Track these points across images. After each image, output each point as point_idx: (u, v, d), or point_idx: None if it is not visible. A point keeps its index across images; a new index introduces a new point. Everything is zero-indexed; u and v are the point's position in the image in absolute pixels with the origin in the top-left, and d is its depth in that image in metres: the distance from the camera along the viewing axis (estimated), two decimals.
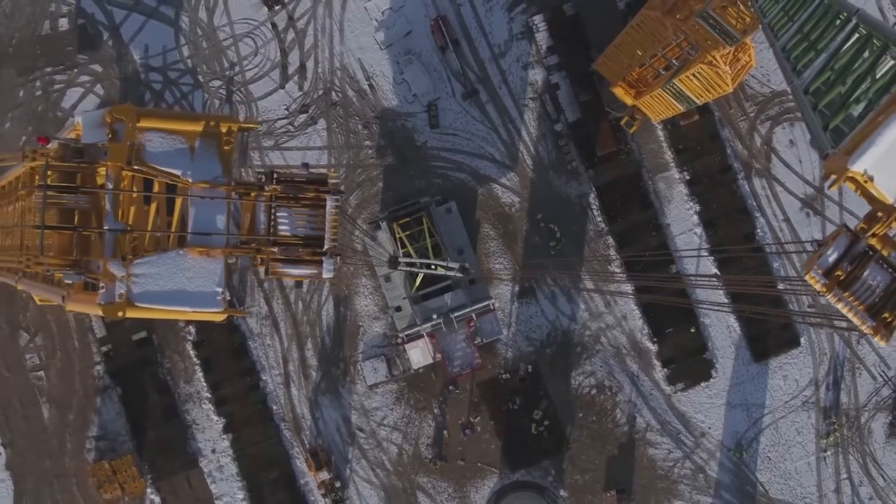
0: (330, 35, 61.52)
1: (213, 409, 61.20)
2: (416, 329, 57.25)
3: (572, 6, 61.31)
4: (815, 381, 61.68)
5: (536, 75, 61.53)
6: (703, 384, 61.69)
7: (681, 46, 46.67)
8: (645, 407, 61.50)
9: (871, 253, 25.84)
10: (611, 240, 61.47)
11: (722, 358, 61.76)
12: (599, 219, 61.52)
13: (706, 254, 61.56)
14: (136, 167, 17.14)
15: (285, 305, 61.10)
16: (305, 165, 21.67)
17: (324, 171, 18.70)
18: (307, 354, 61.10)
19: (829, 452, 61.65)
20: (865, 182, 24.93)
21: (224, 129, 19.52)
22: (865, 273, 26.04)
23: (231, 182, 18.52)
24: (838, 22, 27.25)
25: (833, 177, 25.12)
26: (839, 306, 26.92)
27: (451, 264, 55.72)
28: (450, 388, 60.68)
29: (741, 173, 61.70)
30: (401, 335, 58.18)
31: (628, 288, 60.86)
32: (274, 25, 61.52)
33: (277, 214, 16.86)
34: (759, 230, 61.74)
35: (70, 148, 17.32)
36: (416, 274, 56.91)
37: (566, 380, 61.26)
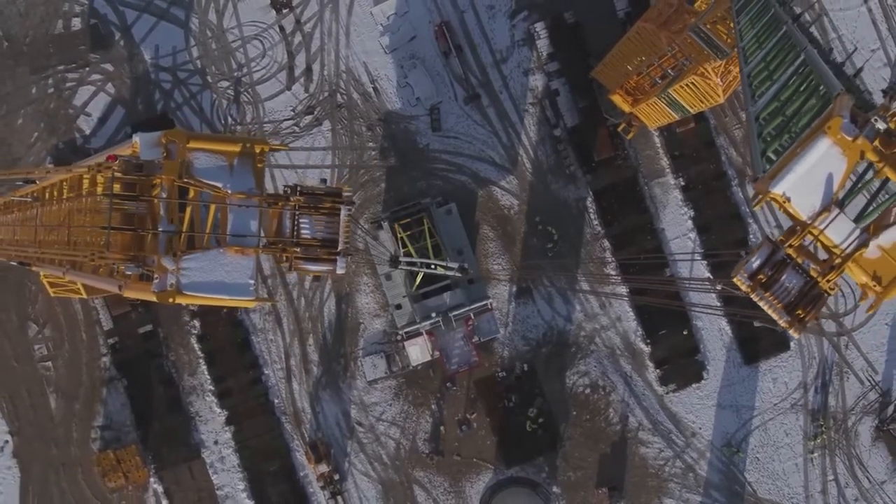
0: (336, 38, 63.05)
1: (215, 401, 62.68)
2: (415, 327, 58.76)
3: (573, 14, 62.83)
4: (804, 384, 63.14)
5: (537, 81, 63.04)
6: (694, 385, 63.14)
7: (676, 57, 48.20)
8: (637, 407, 62.95)
9: (788, 260, 30.14)
10: (607, 243, 62.97)
11: (713, 360, 63.22)
12: (596, 222, 63.02)
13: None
14: (185, 180, 20.02)
15: (288, 302, 62.62)
16: (324, 181, 24.65)
17: (339, 186, 21.70)
18: (309, 350, 62.60)
19: (816, 454, 63.08)
20: (784, 202, 29.27)
21: (258, 150, 22.32)
22: (783, 277, 30.48)
23: (262, 193, 21.29)
24: (791, 55, 29.64)
25: (759, 196, 29.41)
26: (761, 304, 31.25)
27: (450, 264, 57.26)
28: (447, 384, 62.20)
29: (735, 180, 63.17)
30: (400, 332, 59.70)
31: (622, 289, 62.38)
32: (282, 28, 63.06)
33: (300, 221, 19.76)
34: (751, 236, 63.21)
35: (132, 163, 20.13)
36: (417, 273, 58.45)
37: (561, 379, 62.73)
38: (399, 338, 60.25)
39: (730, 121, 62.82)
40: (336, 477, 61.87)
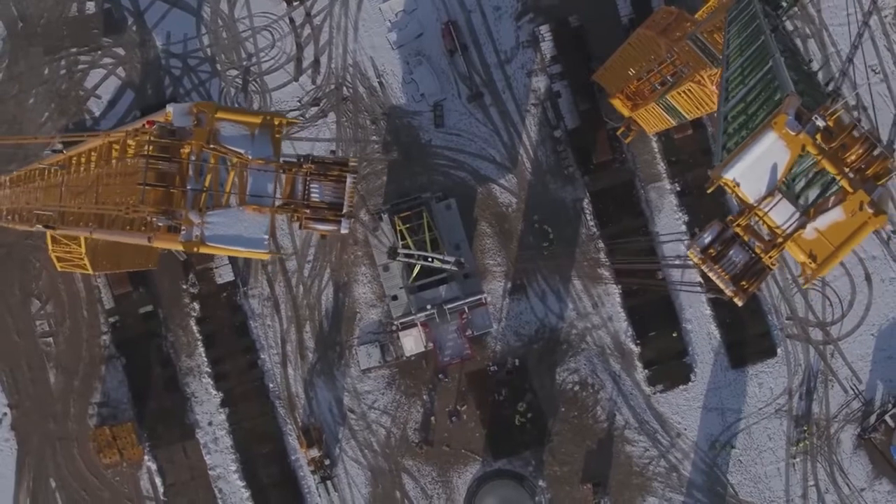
0: (344, 33, 64.28)
1: (212, 383, 63.88)
2: (410, 318, 60.00)
3: (577, 19, 64.06)
4: (789, 390, 64.36)
5: (539, 83, 64.27)
6: (681, 387, 64.33)
7: (674, 64, 49.46)
8: (625, 405, 64.17)
9: (736, 238, 35.39)
10: (601, 244, 64.18)
11: (701, 363, 64.43)
12: (592, 223, 64.23)
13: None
14: (212, 146, 22.11)
15: (287, 288, 63.83)
16: (333, 153, 26.84)
17: (345, 157, 24.38)
18: (305, 336, 63.81)
19: (798, 459, 64.29)
20: (734, 187, 34.49)
21: (276, 122, 26.28)
22: (731, 252, 35.58)
23: (279, 160, 23.35)
24: (763, 62, 33.64)
25: (713, 181, 34.94)
26: (710, 275, 36.26)
27: (447, 258, 58.46)
28: (439, 376, 63.42)
29: None
30: (395, 323, 60.94)
31: (615, 289, 63.73)
32: (291, 20, 64.29)
33: (310, 185, 22.35)
34: None
35: (166, 129, 22.43)
36: (414, 265, 59.66)
37: (551, 375, 63.95)
38: (394, 328, 61.48)
39: None
40: (327, 462, 63.07)
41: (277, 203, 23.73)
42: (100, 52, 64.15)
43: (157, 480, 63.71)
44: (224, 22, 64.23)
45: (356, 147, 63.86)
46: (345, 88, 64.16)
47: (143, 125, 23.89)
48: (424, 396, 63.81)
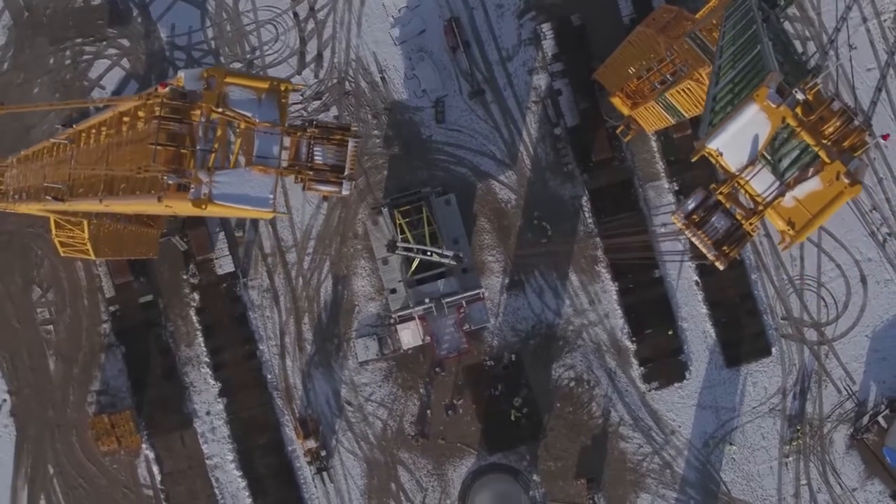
0: (348, 27, 64.77)
1: (210, 373, 64.34)
2: (408, 311, 60.46)
3: (579, 18, 64.58)
4: (783, 389, 64.84)
5: (540, 80, 64.78)
6: (676, 384, 64.83)
7: (674, 63, 49.96)
8: (620, 402, 64.65)
9: (718, 205, 37.63)
10: (599, 241, 64.65)
11: (696, 361, 64.90)
12: (590, 220, 64.72)
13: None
14: (221, 109, 22.95)
15: (286, 280, 64.30)
16: (336, 118, 27.42)
17: (348, 122, 25.63)
18: (304, 328, 64.28)
19: (791, 458, 64.77)
20: (718, 156, 36.58)
21: (283, 88, 27.65)
22: (714, 218, 37.82)
23: (284, 124, 25.36)
24: (752, 48, 36.09)
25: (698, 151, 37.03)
26: (693, 240, 38.46)
27: (445, 252, 58.91)
28: (436, 369, 63.90)
29: None
30: (394, 316, 61.38)
31: (612, 286, 64.20)
32: (295, 15, 64.79)
33: (314, 148, 23.32)
34: None
35: (178, 91, 23.40)
36: (413, 259, 60.14)
37: (547, 371, 64.42)
38: (392, 321, 61.93)
39: None
40: (323, 453, 63.52)
41: (283, 165, 24.76)
42: (104, 43, 64.63)
43: (155, 469, 64.18)
44: (228, 15, 64.73)
45: (357, 141, 64.18)
46: (347, 83, 64.64)
47: (156, 88, 24.84)
48: (421, 390, 64.27)
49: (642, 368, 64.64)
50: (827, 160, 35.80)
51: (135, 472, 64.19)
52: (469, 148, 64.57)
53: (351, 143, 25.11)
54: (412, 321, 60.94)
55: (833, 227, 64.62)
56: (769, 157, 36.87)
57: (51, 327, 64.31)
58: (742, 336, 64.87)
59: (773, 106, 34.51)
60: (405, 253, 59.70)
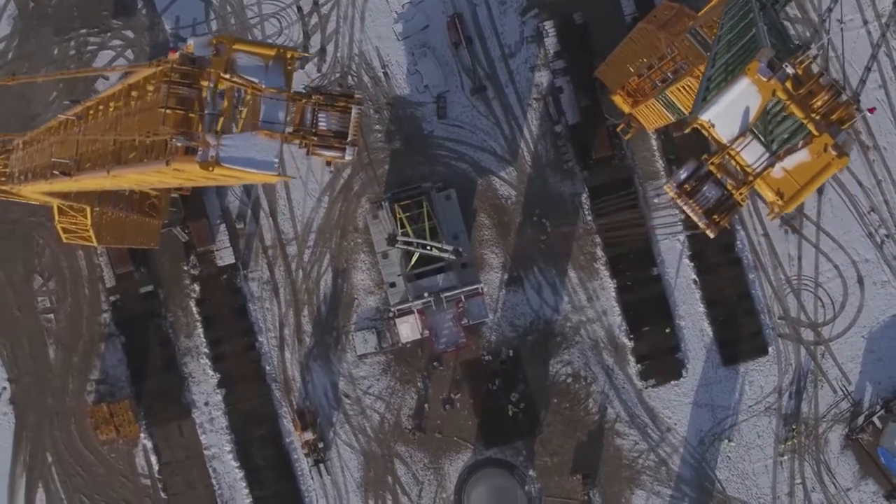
0: (351, 22, 65.10)
1: (209, 364, 64.69)
2: (407, 305, 60.76)
3: (581, 16, 64.90)
4: (779, 388, 65.14)
5: (542, 77, 65.12)
6: (673, 382, 65.13)
7: (675, 60, 50.28)
8: (616, 399, 64.96)
9: (709, 175, 39.61)
10: (598, 238, 64.96)
11: (693, 359, 65.20)
12: (589, 218, 65.04)
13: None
14: (229, 74, 23.46)
15: (286, 273, 64.64)
16: (341, 86, 28.05)
17: (352, 90, 26.39)
18: (303, 321, 64.61)
19: (786, 457, 65.06)
20: (710, 128, 38.08)
21: (289, 56, 28.12)
22: (705, 188, 39.78)
23: (290, 90, 26.72)
24: (747, 33, 37.90)
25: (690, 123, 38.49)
26: (685, 209, 40.42)
27: (445, 246, 59.24)
28: (434, 364, 64.22)
29: None
30: (393, 309, 61.72)
31: (610, 283, 64.54)
32: (299, 9, 65.13)
33: (318, 115, 23.98)
34: (738, 242, 65.17)
35: (188, 57, 24.02)
36: (412, 253, 60.45)
37: (544, 366, 64.73)
38: (391, 315, 62.24)
39: None
40: (320, 445, 63.86)
41: (288, 130, 25.41)
42: (109, 34, 64.97)
43: (153, 458, 64.55)
44: (233, 8, 65.07)
45: (359, 135, 64.57)
46: (350, 77, 64.95)
47: (167, 55, 25.54)
48: (419, 383, 64.60)
49: (639, 366, 64.96)
50: (815, 133, 37.13)
51: (133, 461, 64.56)
52: (470, 144, 64.89)
53: (354, 110, 25.80)
54: (411, 315, 61.23)
55: (831, 228, 65.00)
56: (759, 130, 38.36)
57: (51, 316, 64.66)
58: (739, 335, 65.16)
59: (764, 80, 35.87)
60: (405, 247, 60.01)
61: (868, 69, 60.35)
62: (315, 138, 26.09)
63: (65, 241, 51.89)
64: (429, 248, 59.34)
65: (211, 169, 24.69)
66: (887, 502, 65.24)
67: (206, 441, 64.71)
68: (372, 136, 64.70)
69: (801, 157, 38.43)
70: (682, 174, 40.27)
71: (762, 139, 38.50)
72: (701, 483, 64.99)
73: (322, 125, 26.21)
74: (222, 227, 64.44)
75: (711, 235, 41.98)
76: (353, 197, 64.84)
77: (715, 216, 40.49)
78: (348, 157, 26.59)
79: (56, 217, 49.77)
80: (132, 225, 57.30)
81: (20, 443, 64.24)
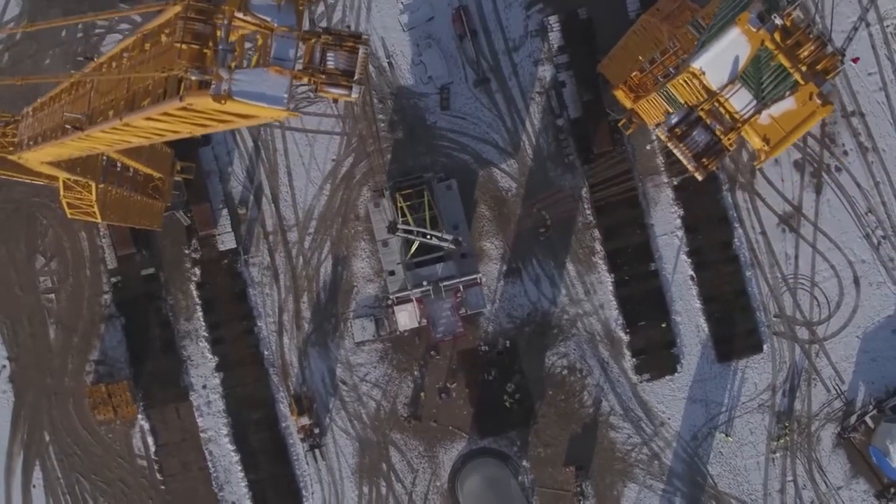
0: (357, 12, 65.56)
1: (208, 347, 65.16)
2: (406, 293, 61.25)
3: (586, 11, 65.37)
4: (773, 386, 65.60)
5: (545, 71, 65.58)
6: (667, 377, 65.58)
7: (677, 55, 50.74)
8: (611, 392, 65.42)
9: (699, 120, 41.70)
10: (597, 232, 65.44)
11: (688, 355, 65.67)
12: (589, 212, 65.51)
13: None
14: (242, 13, 24.18)
15: (287, 259, 65.11)
16: (348, 27, 28.64)
17: (359, 31, 27.19)
18: (302, 307, 65.09)
19: (778, 454, 65.52)
20: (700, 75, 39.83)
21: None
22: (695, 132, 42.43)
23: (301, 29, 27.49)
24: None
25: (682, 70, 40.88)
26: (675, 152, 43.49)
27: (445, 235, 59.70)
28: (431, 352, 64.69)
29: (726, 185, 65.63)
30: (391, 297, 62.19)
31: (608, 277, 64.98)
32: None
33: (327, 54, 24.58)
34: (736, 240, 65.65)
35: None
36: (412, 242, 60.93)
37: (540, 358, 65.21)
38: (389, 302, 62.71)
39: None
40: (316, 431, 64.31)
41: (297, 67, 26.10)
42: (117, 18, 65.36)
43: (150, 440, 65.02)
44: None
45: (363, 124, 65.12)
46: None
47: None
48: (415, 372, 65.06)
49: (635, 360, 65.41)
50: (801, 81, 39.17)
51: (130, 442, 65.04)
52: (472, 135, 65.38)
53: (361, 50, 26.49)
54: (409, 303, 61.73)
55: (829, 228, 65.47)
56: (748, 78, 40.16)
57: (52, 296, 65.13)
58: (734, 332, 65.60)
59: (754, 30, 37.81)
60: (405, 235, 60.48)
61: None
62: (323, 76, 26.89)
63: (69, 216, 52.34)
64: (429, 236, 59.82)
65: (223, 102, 25.43)
66: (878, 501, 65.70)
67: (203, 424, 65.18)
68: (375, 125, 65.15)
69: (788, 105, 40.92)
70: (674, 118, 42.88)
71: (752, 87, 40.26)
72: (693, 478, 65.45)
73: (330, 64, 27.00)
74: (224, 211, 64.92)
75: (699, 178, 44.53)
76: (355, 185, 65.32)
77: (704, 160, 42.92)
78: (354, 95, 27.44)
79: (61, 192, 50.25)
80: (136, 205, 57.78)
81: (18, 421, 64.71)
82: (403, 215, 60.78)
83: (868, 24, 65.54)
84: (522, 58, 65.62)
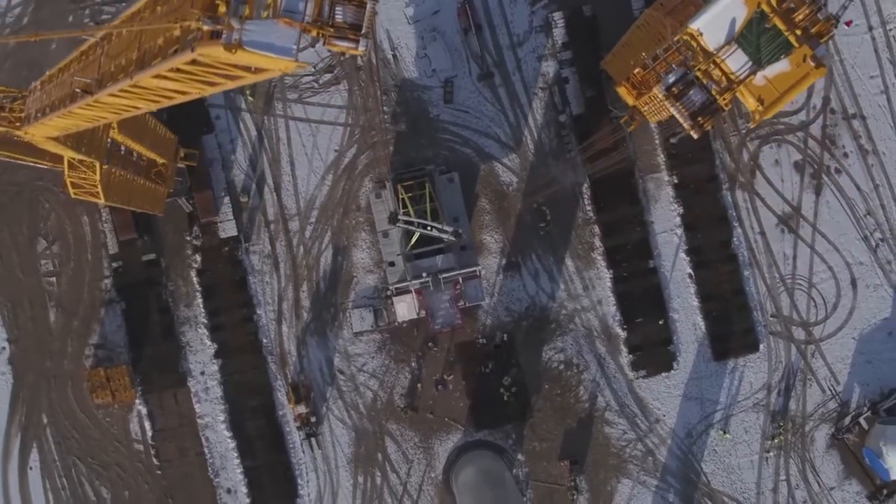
0: None
1: (207, 334, 65.46)
2: (405, 284, 61.54)
3: (591, 8, 65.72)
4: (769, 385, 65.91)
5: (549, 67, 65.92)
6: (664, 374, 65.90)
7: (680, 51, 50.97)
8: (607, 388, 65.72)
9: (696, 80, 44.00)
10: (596, 228, 65.75)
11: (685, 352, 65.97)
12: (589, 208, 65.82)
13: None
14: None
15: (287, 248, 65.42)
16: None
17: None
18: (301, 296, 65.39)
19: (771, 454, 65.84)
20: (698, 36, 41.62)
21: None
22: (691, 92, 44.47)
23: None
24: None
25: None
26: (672, 110, 45.29)
27: (445, 227, 59.96)
28: (429, 344, 64.99)
29: (726, 184, 65.95)
30: (391, 288, 62.49)
31: (606, 273, 65.29)
32: None
33: (335, 8, 25.01)
34: (735, 239, 65.95)
35: None
36: (413, 233, 61.18)
37: (538, 352, 65.50)
38: (389, 293, 63.00)
39: (728, 127, 65.65)
40: (313, 419, 64.61)
41: (307, 19, 26.53)
42: (124, 4, 65.65)
43: (147, 424, 65.32)
44: None
45: (366, 116, 65.43)
46: (359, 58, 65.68)
47: None
48: (413, 363, 65.35)
49: (631, 356, 65.72)
50: (796, 44, 40.94)
51: (127, 426, 65.34)
52: (475, 129, 65.69)
53: (369, 5, 27.00)
54: (408, 294, 62.03)
55: (827, 230, 65.78)
56: (745, 40, 42.00)
57: (53, 279, 65.44)
58: (731, 331, 65.93)
59: None
60: (406, 226, 60.73)
61: None
62: (331, 30, 27.38)
63: (73, 195, 52.60)
64: (429, 228, 60.05)
65: (234, 52, 25.75)
66: (870, 503, 65.99)
67: (201, 410, 65.48)
68: (378, 117, 65.47)
69: (782, 66, 42.54)
70: (671, 78, 44.99)
71: (748, 49, 42.02)
72: (686, 475, 65.74)
73: (339, 18, 27.51)
74: (226, 199, 65.22)
75: (695, 136, 45.87)
76: (357, 176, 65.63)
77: (700, 118, 44.42)
78: (361, 49, 27.92)
79: (66, 171, 50.52)
80: (139, 189, 58.07)
81: (17, 403, 65.02)
82: (405, 207, 61.07)
83: (871, 28, 65.89)
84: (526, 53, 65.96)
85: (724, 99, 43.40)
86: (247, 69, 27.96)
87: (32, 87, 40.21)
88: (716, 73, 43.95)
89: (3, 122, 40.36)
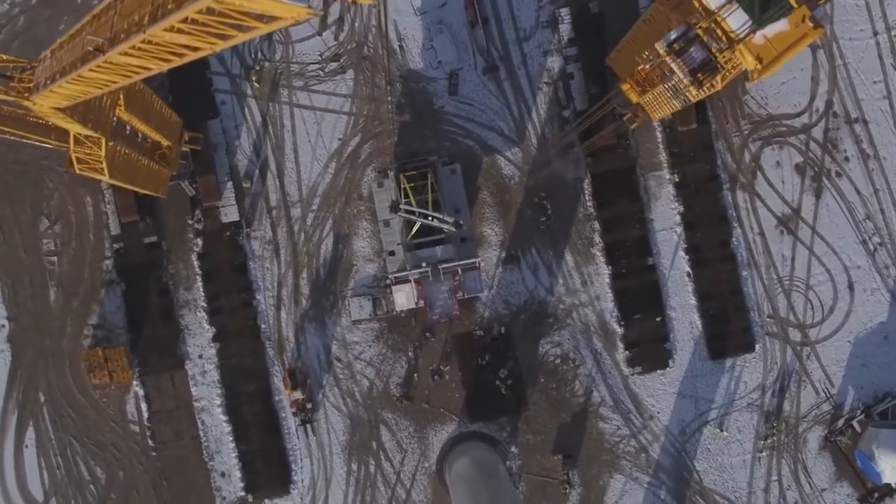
0: None
1: (206, 317, 65.72)
2: (404, 273, 61.80)
3: (597, 5, 66.03)
4: (763, 386, 66.16)
5: (554, 63, 66.20)
6: (659, 371, 66.17)
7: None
8: (602, 383, 65.98)
9: (697, 38, 44.85)
10: (597, 224, 66.02)
11: (681, 350, 66.23)
12: (590, 203, 66.08)
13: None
14: None
15: (288, 234, 65.68)
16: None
17: None
18: (301, 283, 65.65)
19: (764, 454, 66.09)
20: None
21: None
22: (692, 49, 45.43)
23: None
24: None
25: None
26: (673, 66, 46.29)
27: (446, 218, 60.19)
28: (426, 334, 65.23)
29: (727, 184, 66.25)
30: (390, 277, 62.75)
31: (605, 269, 65.57)
32: None
33: None
34: (734, 239, 66.24)
35: None
36: (413, 223, 61.43)
37: (535, 346, 65.75)
38: (388, 282, 63.26)
39: (730, 127, 65.95)
40: (309, 406, 64.86)
41: None
42: None
43: (143, 406, 65.54)
44: None
45: (371, 105, 65.70)
46: (366, 48, 66.02)
47: None
48: (410, 353, 65.60)
49: (627, 352, 65.98)
50: (794, 4, 41.66)
51: (123, 407, 65.56)
52: (478, 122, 65.97)
53: None
54: (407, 284, 62.29)
55: (826, 233, 66.07)
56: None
57: (55, 259, 65.69)
58: (728, 330, 66.22)
59: None
60: (407, 215, 60.98)
61: None
62: None
63: (77, 171, 52.72)
64: (430, 218, 60.28)
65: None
66: None
67: (197, 393, 65.73)
68: (383, 106, 65.73)
69: (781, 26, 43.44)
70: (672, 35, 45.68)
71: (748, 8, 43.05)
72: (679, 472, 66.00)
73: None
74: (229, 184, 65.47)
75: (694, 92, 46.93)
76: (360, 165, 65.90)
77: (699, 75, 45.64)
78: None
79: (71, 146, 50.68)
80: (143, 169, 58.29)
81: (14, 381, 65.25)
82: (406, 196, 61.31)
83: (876, 33, 66.21)
84: (532, 48, 66.24)
85: (723, 57, 44.69)
86: (259, 18, 27.89)
87: (42, 56, 40.40)
88: (716, 32, 45.49)
89: (11, 91, 40.57)
